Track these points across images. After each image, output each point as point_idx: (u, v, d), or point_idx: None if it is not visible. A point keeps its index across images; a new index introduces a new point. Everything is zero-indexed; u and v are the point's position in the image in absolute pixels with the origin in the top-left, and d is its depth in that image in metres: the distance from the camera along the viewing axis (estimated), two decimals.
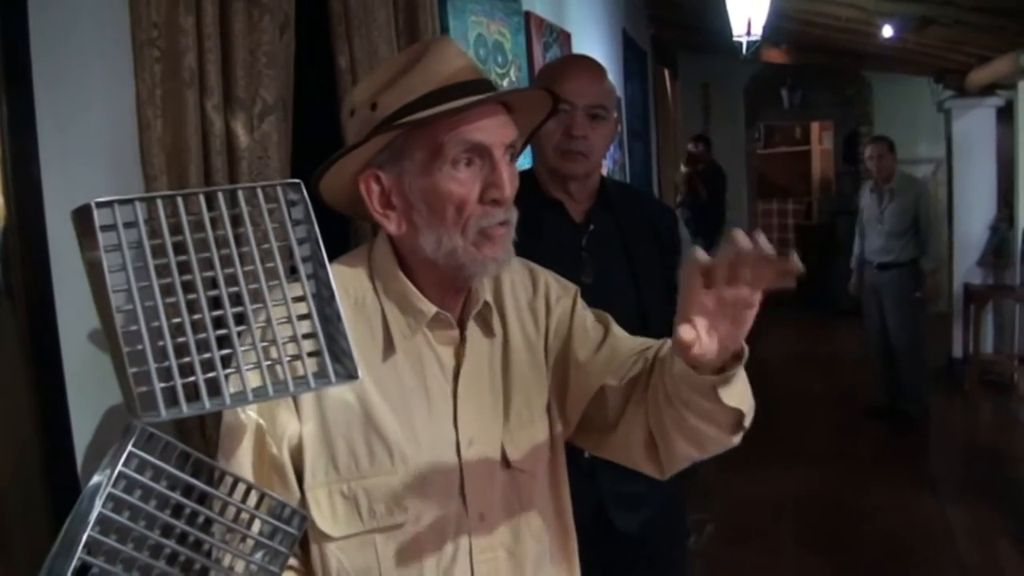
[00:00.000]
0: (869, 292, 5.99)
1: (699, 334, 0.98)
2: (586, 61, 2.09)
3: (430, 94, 1.14)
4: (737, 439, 1.22)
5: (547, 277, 1.39)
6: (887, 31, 5.81)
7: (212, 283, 0.82)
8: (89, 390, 1.25)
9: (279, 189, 0.85)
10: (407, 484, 1.15)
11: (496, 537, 1.23)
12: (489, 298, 1.28)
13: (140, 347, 0.77)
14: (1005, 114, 7.19)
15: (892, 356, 5.95)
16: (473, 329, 1.25)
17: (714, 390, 1.07)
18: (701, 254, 0.97)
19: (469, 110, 1.13)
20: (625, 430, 1.27)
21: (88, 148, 1.31)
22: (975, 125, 7.31)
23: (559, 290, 1.38)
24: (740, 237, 0.91)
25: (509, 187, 1.15)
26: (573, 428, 1.35)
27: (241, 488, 0.89)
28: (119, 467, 0.77)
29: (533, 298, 1.35)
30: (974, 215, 7.07)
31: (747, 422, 1.17)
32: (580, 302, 1.39)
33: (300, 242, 0.86)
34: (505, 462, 1.25)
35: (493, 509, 1.23)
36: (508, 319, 1.31)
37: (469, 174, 1.14)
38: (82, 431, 1.22)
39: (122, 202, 0.77)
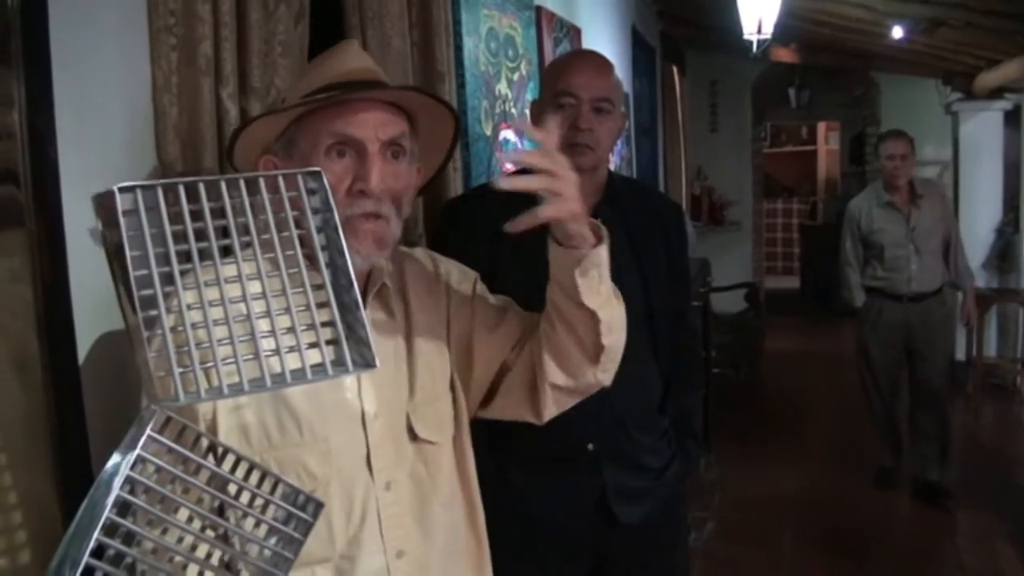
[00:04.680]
0: (892, 332, 4.68)
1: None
2: (592, 55, 2.09)
3: (319, 89, 1.25)
4: (602, 376, 1.35)
5: (448, 265, 1.49)
6: (896, 32, 5.79)
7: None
8: (104, 373, 1.26)
9: (299, 177, 0.86)
10: (315, 455, 1.22)
11: (403, 505, 1.30)
12: (389, 281, 1.35)
13: (159, 332, 0.78)
14: (1013, 118, 7.17)
15: (915, 411, 4.79)
16: (374, 309, 1.32)
17: (573, 282, 1.22)
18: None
19: (349, 105, 1.23)
20: (513, 375, 1.40)
21: (104, 132, 1.32)
22: (982, 128, 7.30)
23: (459, 276, 1.47)
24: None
25: (376, 180, 1.23)
26: (478, 404, 1.45)
27: (256, 474, 0.89)
28: (138, 450, 0.77)
29: (435, 283, 1.44)
30: (979, 218, 7.05)
31: (605, 340, 1.30)
32: (480, 285, 1.49)
33: (319, 230, 0.87)
34: (411, 434, 1.32)
35: (399, 479, 1.30)
36: (411, 302, 1.38)
37: (342, 165, 1.23)
38: (96, 414, 1.23)
39: (144, 187, 0.78)
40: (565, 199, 1.17)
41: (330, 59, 1.31)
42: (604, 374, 1.36)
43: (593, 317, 1.26)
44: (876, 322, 4.70)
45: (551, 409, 1.40)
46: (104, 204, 0.78)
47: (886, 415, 4.86)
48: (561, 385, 1.36)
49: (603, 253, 1.25)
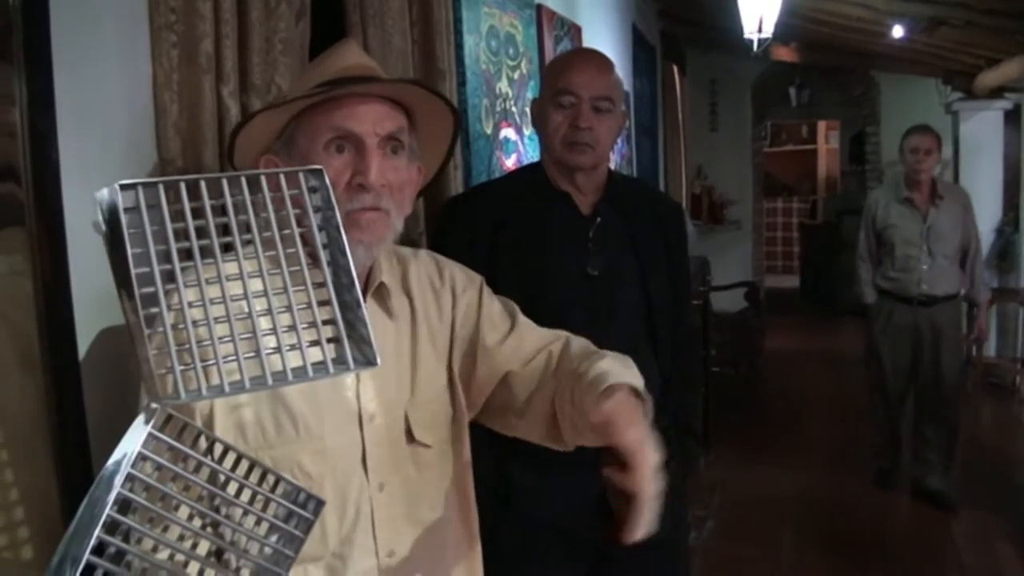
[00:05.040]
0: (902, 335, 4.50)
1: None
2: (592, 54, 2.09)
3: (317, 86, 1.24)
4: None
5: (452, 268, 1.47)
6: (897, 31, 5.80)
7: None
8: (104, 370, 1.26)
9: (301, 176, 0.86)
10: (310, 453, 1.22)
11: (396, 506, 1.30)
12: (388, 280, 1.34)
13: (161, 329, 0.77)
14: (1013, 117, 7.19)
15: (921, 418, 4.62)
16: (373, 309, 1.31)
17: None
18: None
19: (347, 99, 1.23)
20: (532, 414, 1.38)
21: (105, 130, 1.32)
22: (982, 128, 7.31)
23: (465, 280, 1.46)
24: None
25: (375, 174, 1.22)
26: (478, 410, 1.45)
27: (257, 471, 0.89)
28: (139, 448, 0.77)
29: (440, 287, 1.43)
30: (979, 218, 6.90)
31: None
32: (486, 291, 1.48)
33: (320, 228, 0.87)
34: (408, 436, 1.32)
35: (394, 480, 1.29)
36: (415, 303, 1.38)
37: (341, 160, 1.23)
38: (96, 411, 1.23)
39: (146, 185, 0.77)
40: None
41: (328, 57, 1.31)
42: None
43: None
44: (886, 324, 4.53)
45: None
46: (106, 200, 0.78)
47: (888, 419, 4.72)
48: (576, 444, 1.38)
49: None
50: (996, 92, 6.95)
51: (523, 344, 1.41)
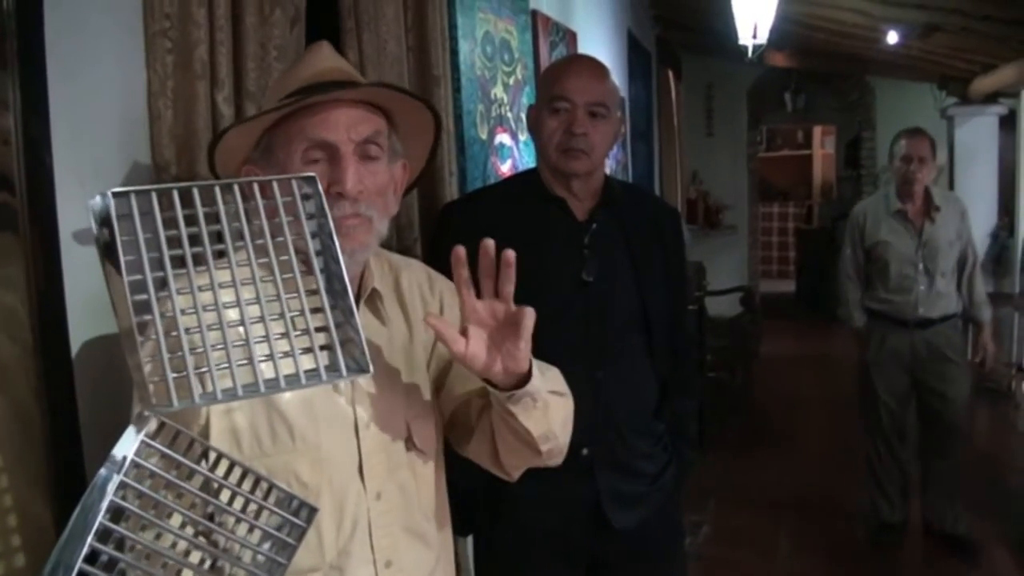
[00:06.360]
0: (898, 361, 3.99)
1: (469, 344, 1.16)
2: (587, 60, 2.09)
3: (290, 93, 1.22)
4: (552, 462, 1.35)
5: (443, 284, 1.45)
6: (892, 37, 5.82)
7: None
8: (97, 377, 1.26)
9: (293, 183, 0.86)
10: (307, 463, 1.20)
11: (393, 515, 1.28)
12: (381, 287, 1.33)
13: (153, 337, 0.78)
14: (1008, 123, 7.21)
15: (926, 453, 4.09)
16: (366, 315, 1.31)
17: (506, 408, 1.22)
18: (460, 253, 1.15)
19: (319, 107, 1.20)
20: (479, 437, 1.38)
21: (100, 137, 1.32)
22: (977, 133, 7.32)
23: (452, 297, 1.43)
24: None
25: (352, 182, 1.20)
26: (444, 422, 1.44)
27: (250, 479, 0.89)
28: (131, 456, 0.77)
29: (430, 300, 1.43)
30: (974, 223, 6.88)
31: (544, 447, 1.29)
32: None
33: (313, 236, 0.87)
34: (408, 443, 1.31)
35: (390, 488, 1.28)
36: (408, 312, 1.38)
37: (318, 170, 1.19)
38: (89, 420, 1.23)
39: (139, 192, 0.78)
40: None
41: (302, 62, 1.29)
42: (553, 461, 1.36)
43: (528, 434, 1.26)
44: (879, 349, 4.02)
45: (518, 474, 1.41)
46: (99, 208, 0.78)
47: (894, 464, 4.13)
48: (514, 468, 1.39)
49: (535, 384, 1.23)
50: (991, 97, 6.97)
51: None
